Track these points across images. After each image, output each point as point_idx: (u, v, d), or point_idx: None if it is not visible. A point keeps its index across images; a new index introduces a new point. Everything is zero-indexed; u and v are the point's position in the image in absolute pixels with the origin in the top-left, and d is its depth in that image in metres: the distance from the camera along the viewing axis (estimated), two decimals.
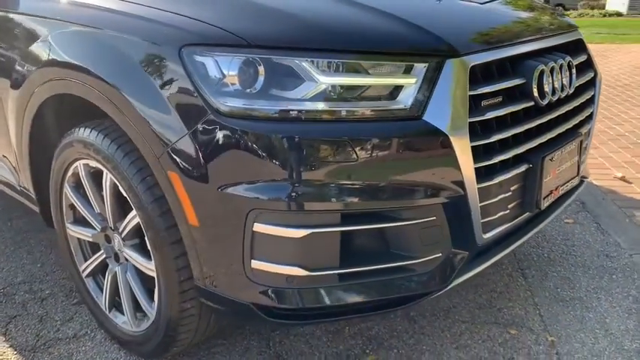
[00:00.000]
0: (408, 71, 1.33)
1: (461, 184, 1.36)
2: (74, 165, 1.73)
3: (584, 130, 1.83)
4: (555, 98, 1.62)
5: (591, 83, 1.93)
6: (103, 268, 1.85)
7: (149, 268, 1.58)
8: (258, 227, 1.30)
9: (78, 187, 1.79)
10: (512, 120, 1.49)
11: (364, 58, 1.32)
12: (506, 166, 1.49)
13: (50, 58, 1.61)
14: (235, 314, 1.50)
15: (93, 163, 1.64)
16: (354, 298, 1.39)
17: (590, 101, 1.91)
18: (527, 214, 1.66)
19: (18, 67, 1.78)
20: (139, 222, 1.54)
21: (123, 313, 1.80)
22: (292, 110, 1.28)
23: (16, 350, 1.86)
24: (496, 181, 1.46)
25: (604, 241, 2.54)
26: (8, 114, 1.93)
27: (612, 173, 3.35)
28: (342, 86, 1.31)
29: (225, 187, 1.31)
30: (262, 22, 1.35)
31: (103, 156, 1.55)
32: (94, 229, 1.80)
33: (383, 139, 1.29)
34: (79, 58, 1.51)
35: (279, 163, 1.27)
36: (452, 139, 1.31)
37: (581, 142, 1.79)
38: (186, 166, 1.34)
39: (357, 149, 1.27)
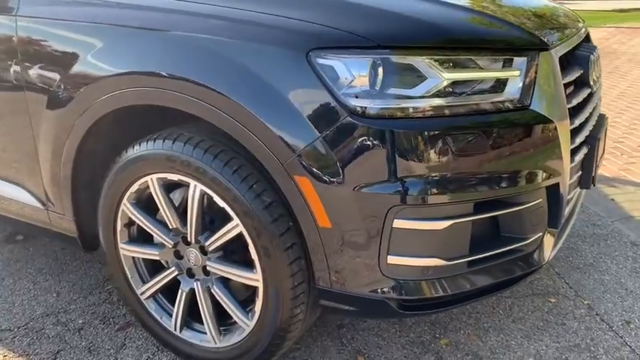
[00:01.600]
0: (511, 64, 1.42)
1: (561, 166, 1.49)
2: (141, 181, 1.62)
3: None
4: (597, 85, 1.81)
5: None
6: (168, 287, 1.75)
7: (250, 278, 1.54)
8: (398, 223, 1.33)
9: (141, 203, 1.69)
10: (581, 105, 1.65)
11: (475, 54, 1.39)
12: (579, 147, 1.65)
13: (126, 68, 1.50)
14: (366, 311, 1.51)
15: (172, 176, 1.56)
16: (477, 283, 1.47)
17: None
18: (577, 193, 1.83)
19: (65, 83, 1.63)
20: (239, 232, 1.49)
21: (200, 331, 1.73)
22: (421, 107, 1.33)
23: None
24: (576, 162, 1.61)
25: (585, 211, 2.84)
26: (40, 135, 1.76)
27: None
28: (460, 81, 1.37)
29: (362, 187, 1.32)
30: (382, 23, 1.37)
31: (195, 167, 1.48)
32: (162, 246, 1.70)
33: (501, 129, 1.38)
34: (176, 68, 1.42)
35: (418, 158, 1.31)
36: (557, 124, 1.44)
37: (607, 123, 2.00)
38: (319, 169, 1.33)
39: (482, 140, 1.35)
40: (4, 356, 1.84)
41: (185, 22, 1.43)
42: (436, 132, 1.32)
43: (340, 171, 1.32)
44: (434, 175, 1.32)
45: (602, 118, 1.92)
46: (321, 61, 1.32)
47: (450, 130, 1.34)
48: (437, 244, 1.36)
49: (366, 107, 1.31)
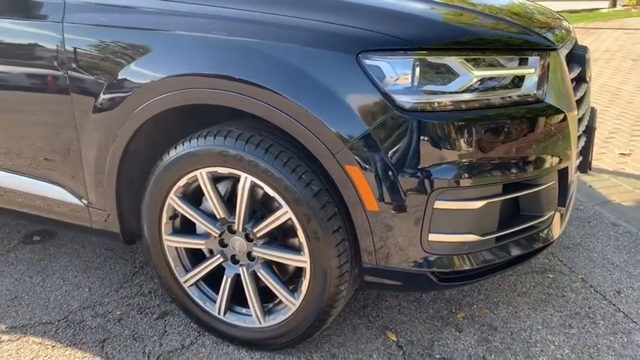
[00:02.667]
0: (527, 63, 1.62)
1: (570, 152, 1.70)
2: (190, 175, 1.75)
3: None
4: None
5: None
6: (211, 274, 1.88)
7: (298, 260, 1.69)
8: (439, 204, 1.51)
9: (188, 196, 1.81)
10: (581, 100, 1.87)
11: (499, 53, 1.59)
12: (581, 136, 1.87)
13: (187, 70, 1.63)
14: (408, 285, 1.67)
15: (223, 170, 1.69)
16: (502, 256, 1.66)
17: None
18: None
19: (113, 88, 1.74)
20: (288, 219, 1.64)
21: (243, 313, 1.87)
22: (455, 100, 1.51)
23: None
24: (579, 147, 1.83)
25: None
26: (85, 138, 1.85)
27: None
28: (486, 78, 1.56)
29: (406, 173, 1.50)
30: (420, 28, 1.55)
31: (247, 161, 1.62)
32: (207, 236, 1.83)
33: (521, 119, 1.58)
34: (239, 71, 1.55)
35: (454, 146, 1.49)
36: (567, 115, 1.65)
37: (596, 113, 2.24)
38: (367, 158, 1.50)
39: (506, 129, 1.55)
40: (53, 347, 1.93)
41: (247, 29, 1.57)
42: (468, 122, 1.51)
43: (387, 159, 1.49)
44: (468, 160, 1.51)
45: (593, 111, 2.15)
46: (368, 62, 1.49)
47: (479, 121, 1.52)
48: (473, 221, 1.55)
49: (408, 102, 1.48)
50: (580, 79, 1.92)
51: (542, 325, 2.03)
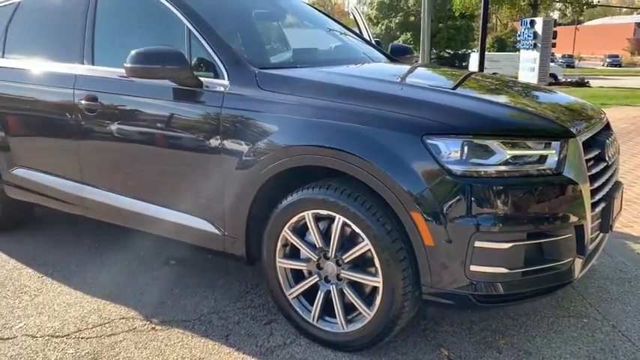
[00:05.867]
0: (550, 146, 2.23)
1: (583, 213, 2.25)
2: (299, 215, 2.46)
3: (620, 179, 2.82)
4: (613, 160, 2.59)
5: (617, 150, 2.94)
6: (309, 290, 2.55)
7: (374, 280, 2.32)
8: (478, 244, 2.12)
9: (297, 230, 2.52)
10: (599, 174, 2.42)
11: (527, 138, 2.21)
12: (598, 202, 2.41)
13: (309, 142, 2.37)
14: (456, 304, 2.25)
15: (323, 212, 2.39)
16: (527, 287, 2.22)
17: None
18: (600, 236, 2.57)
19: (253, 152, 2.52)
20: (368, 249, 2.29)
21: (331, 321, 2.51)
22: (491, 171, 2.14)
23: (249, 354, 2.50)
24: (596, 211, 2.37)
25: (614, 260, 3.52)
26: (228, 185, 2.63)
27: None
28: (517, 156, 2.18)
29: (455, 219, 2.12)
30: (467, 118, 2.21)
31: (341, 206, 2.31)
32: (309, 260, 2.52)
33: (543, 186, 2.17)
34: (344, 144, 2.27)
35: (490, 203, 2.10)
36: (581, 186, 2.22)
37: (622, 187, 2.76)
38: (427, 207, 2.14)
39: (532, 193, 2.14)
40: (191, 336, 2.65)
41: (347, 117, 2.31)
42: (501, 187, 2.12)
43: (441, 209, 2.13)
44: (500, 213, 2.11)
45: (617, 184, 2.68)
46: (429, 141, 2.16)
47: (511, 186, 2.13)
48: (503, 258, 2.13)
49: (458, 170, 2.13)
50: (600, 159, 2.48)
51: (570, 354, 2.51)
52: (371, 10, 51.69)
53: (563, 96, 2.98)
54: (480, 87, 3.09)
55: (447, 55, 49.10)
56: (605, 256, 3.61)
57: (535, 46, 19.94)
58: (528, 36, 20.31)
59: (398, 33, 47.63)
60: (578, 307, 2.95)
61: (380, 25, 48.48)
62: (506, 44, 45.64)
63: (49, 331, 2.70)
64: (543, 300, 2.98)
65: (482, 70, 10.49)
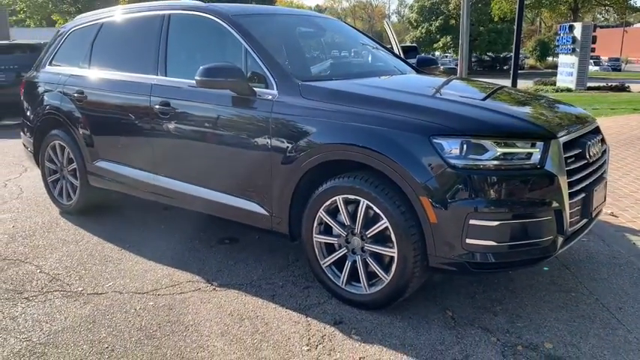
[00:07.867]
0: (535, 145, 2.77)
1: (562, 200, 2.79)
2: (332, 199, 3.07)
3: (606, 176, 3.32)
4: (595, 158, 3.11)
5: (605, 151, 3.45)
6: (339, 260, 3.16)
7: (391, 251, 2.91)
8: (472, 221, 2.68)
9: (330, 211, 3.13)
10: (579, 169, 2.95)
11: (515, 139, 2.77)
12: (578, 193, 2.94)
13: (342, 141, 2.99)
14: (456, 269, 2.82)
15: (351, 197, 3.00)
16: (513, 258, 2.78)
17: (606, 160, 3.42)
18: (583, 221, 3.10)
19: (296, 148, 3.15)
20: (386, 227, 2.89)
21: (356, 285, 3.11)
22: (484, 164, 2.70)
23: (291, 309, 3.14)
24: (575, 200, 2.90)
25: (611, 249, 4.00)
26: (275, 174, 3.27)
27: None
28: (507, 153, 2.73)
29: (454, 202, 2.69)
30: (466, 122, 2.79)
31: (365, 192, 2.91)
32: (339, 236, 3.13)
33: (528, 177, 2.72)
34: (369, 142, 2.88)
35: (483, 190, 2.67)
36: (559, 178, 2.76)
37: (606, 182, 3.27)
38: (432, 193, 2.72)
39: (518, 184, 2.70)
40: (245, 296, 3.30)
41: (372, 121, 2.91)
42: (493, 177, 2.68)
43: (443, 194, 2.70)
44: (491, 198, 2.67)
45: (600, 178, 3.19)
46: (435, 141, 2.74)
47: (500, 177, 2.69)
48: (492, 233, 2.69)
49: (458, 164, 2.70)
50: (580, 157, 3.01)
51: (554, 319, 3.04)
52: (411, 13, 51.95)
53: (559, 105, 3.50)
54: (484, 97, 3.64)
55: (488, 59, 48.79)
56: (603, 246, 4.09)
57: (574, 50, 20.03)
58: (567, 40, 20.42)
59: (438, 36, 47.75)
60: (570, 284, 3.46)
61: (420, 29, 48.72)
62: (549, 47, 45.11)
63: (132, 289, 3.41)
64: (540, 278, 3.51)
65: (517, 76, 10.70)
